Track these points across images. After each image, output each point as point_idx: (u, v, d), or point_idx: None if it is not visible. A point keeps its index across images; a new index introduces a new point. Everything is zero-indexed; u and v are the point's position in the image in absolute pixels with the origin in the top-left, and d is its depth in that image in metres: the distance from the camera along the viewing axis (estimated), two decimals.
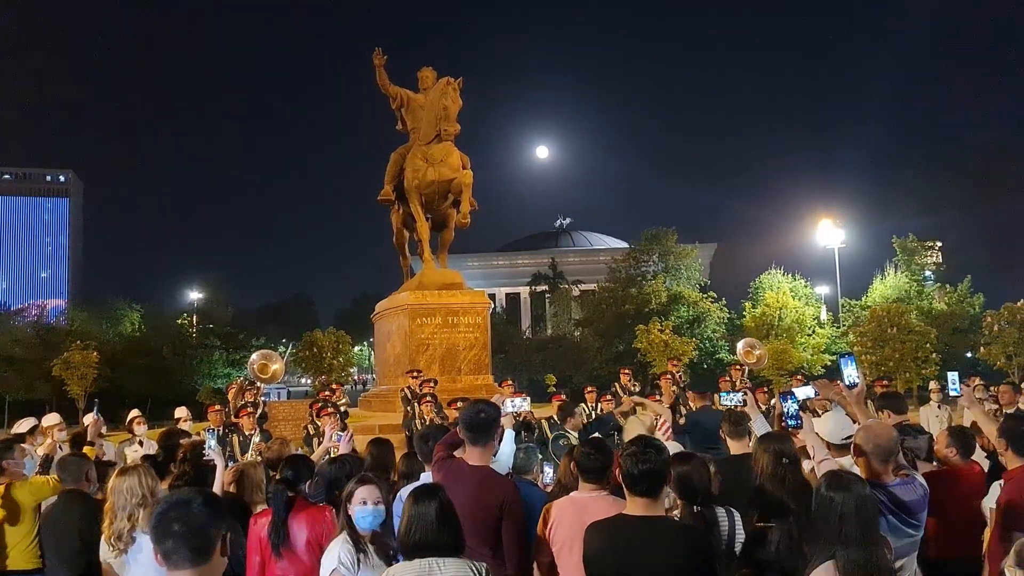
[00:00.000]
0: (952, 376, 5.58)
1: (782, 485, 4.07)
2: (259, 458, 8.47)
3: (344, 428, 7.96)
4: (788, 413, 4.48)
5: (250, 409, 10.56)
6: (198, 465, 5.19)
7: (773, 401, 11.03)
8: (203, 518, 2.37)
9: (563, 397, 13.03)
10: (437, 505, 3.38)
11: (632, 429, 8.62)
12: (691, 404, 11.79)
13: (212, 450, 5.43)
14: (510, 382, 15.60)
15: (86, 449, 6.51)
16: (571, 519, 3.84)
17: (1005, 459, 4.77)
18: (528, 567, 4.06)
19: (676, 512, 4.08)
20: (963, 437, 5.35)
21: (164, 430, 8.74)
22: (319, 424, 10.68)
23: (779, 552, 3.88)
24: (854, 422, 4.63)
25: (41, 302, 62.56)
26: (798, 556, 3.73)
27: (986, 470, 5.50)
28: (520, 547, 3.96)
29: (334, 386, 15.09)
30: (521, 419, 8.13)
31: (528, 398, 6.68)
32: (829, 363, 39.06)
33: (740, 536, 4.09)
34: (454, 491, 4.03)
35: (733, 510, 4.18)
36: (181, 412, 11.66)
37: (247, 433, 10.11)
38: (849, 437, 4.66)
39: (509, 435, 4.73)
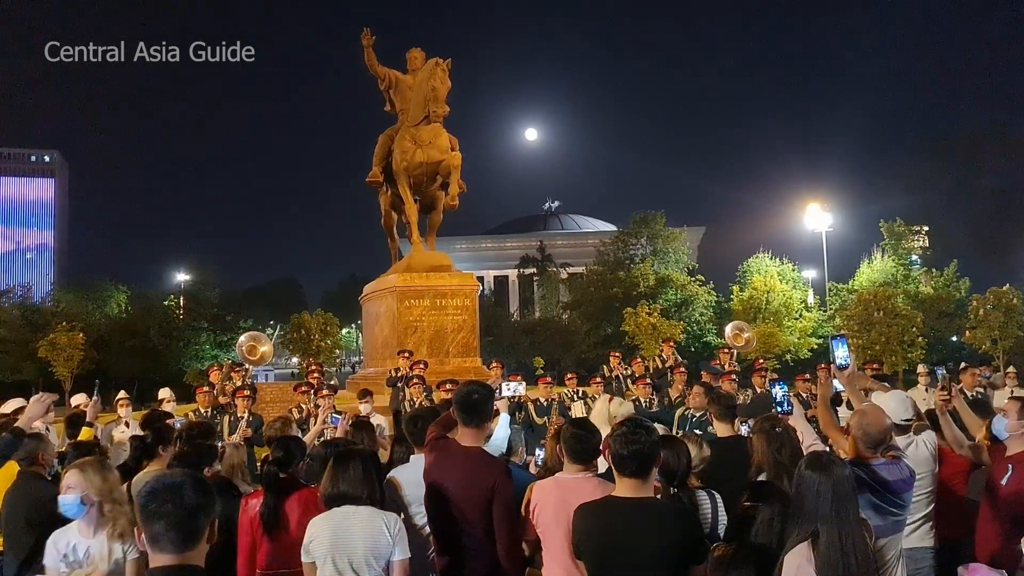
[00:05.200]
0: (939, 372, 5.61)
1: (785, 466, 4.11)
2: (242, 440, 8.48)
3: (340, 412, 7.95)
4: (777, 399, 4.51)
5: (247, 392, 10.53)
6: (198, 446, 5.17)
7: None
8: (194, 503, 2.33)
9: (549, 380, 13.10)
10: (356, 463, 3.91)
11: (597, 414, 8.63)
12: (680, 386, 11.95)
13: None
14: (497, 364, 15.64)
15: (85, 431, 6.46)
16: (555, 500, 3.84)
17: (1012, 443, 4.75)
18: (518, 548, 4.07)
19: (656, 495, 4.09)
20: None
21: (146, 413, 8.72)
22: (305, 407, 10.68)
23: (760, 535, 3.91)
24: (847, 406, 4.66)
25: (26, 283, 62.10)
26: (779, 539, 3.77)
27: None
28: (510, 528, 3.97)
29: (313, 367, 15.00)
30: (514, 401, 8.13)
31: (523, 382, 6.71)
32: (816, 346, 39.29)
33: (723, 519, 4.11)
34: (446, 471, 4.05)
35: (715, 493, 4.19)
36: (164, 393, 11.65)
37: (240, 415, 10.11)
38: (909, 419, 4.72)
39: (504, 419, 4.72)
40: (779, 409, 4.45)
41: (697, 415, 8.97)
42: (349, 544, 3.75)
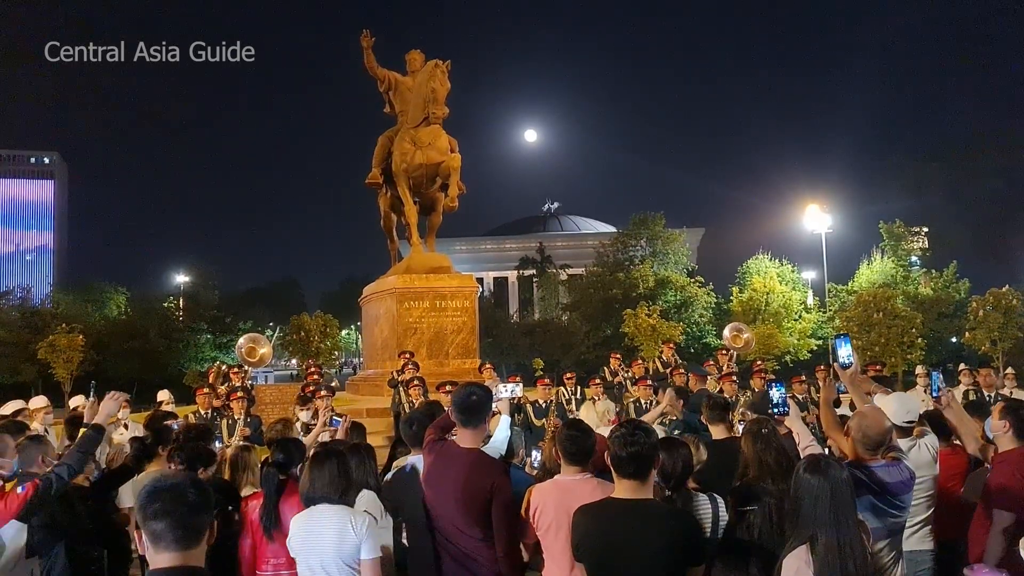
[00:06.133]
0: (935, 376, 5.61)
1: (769, 466, 4.12)
2: (242, 442, 8.46)
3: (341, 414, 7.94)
4: (774, 400, 4.52)
5: (241, 394, 10.56)
6: (193, 448, 5.17)
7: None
8: (196, 502, 2.34)
9: (547, 381, 13.08)
10: (331, 463, 4.03)
11: (586, 421, 8.78)
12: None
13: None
14: (489, 366, 15.61)
15: (81, 432, 6.48)
16: (555, 502, 3.84)
17: (999, 442, 4.80)
18: (517, 549, 4.07)
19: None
20: (940, 419, 5.41)
21: (150, 413, 8.73)
22: (312, 408, 10.66)
23: (760, 535, 3.93)
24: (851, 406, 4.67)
25: (26, 285, 62.06)
26: (778, 538, 3.79)
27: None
28: (509, 529, 3.97)
29: (313, 369, 15.00)
30: (513, 402, 8.12)
31: (521, 383, 6.69)
32: (815, 347, 39.30)
33: (724, 522, 4.12)
34: (445, 473, 4.05)
35: (717, 496, 4.19)
36: (163, 395, 11.67)
37: (236, 417, 10.13)
38: (911, 422, 4.75)
39: (505, 421, 4.71)
40: (776, 411, 4.46)
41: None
42: (318, 544, 3.86)
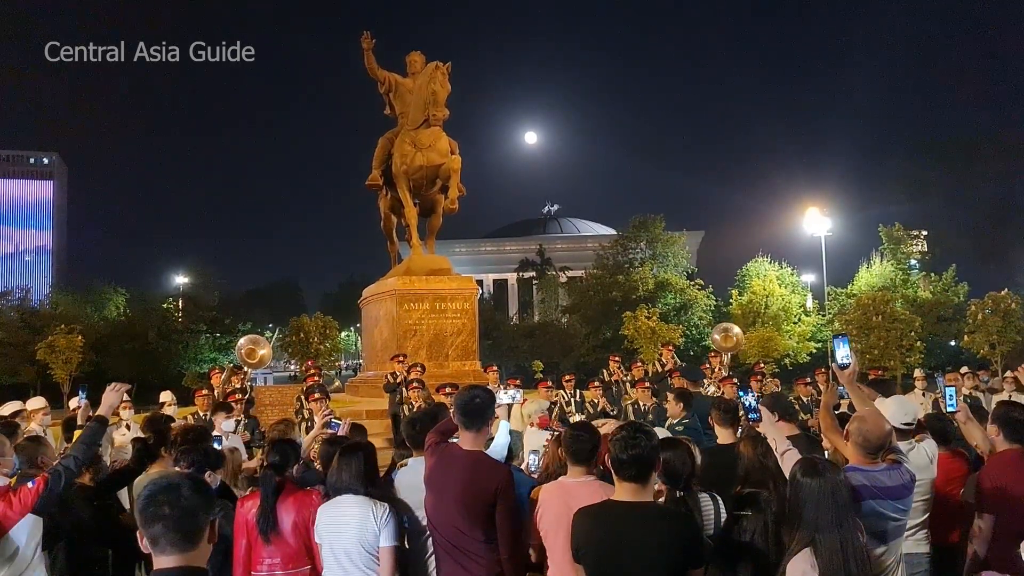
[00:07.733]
0: (950, 391, 5.61)
1: (770, 471, 4.13)
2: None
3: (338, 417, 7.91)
4: (748, 407, 4.53)
5: (239, 395, 10.53)
6: (204, 450, 5.16)
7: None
8: (193, 503, 2.33)
9: (549, 384, 13.08)
10: (358, 457, 4.25)
11: (513, 420, 8.74)
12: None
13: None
14: (495, 368, 15.59)
15: (77, 434, 6.48)
16: (557, 504, 3.85)
17: (995, 445, 4.84)
18: (520, 551, 4.07)
19: (660, 498, 4.10)
20: (939, 424, 5.42)
21: (148, 415, 8.71)
22: (312, 409, 10.63)
23: (753, 540, 3.93)
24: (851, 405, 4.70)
25: (25, 285, 62.03)
26: (772, 545, 3.79)
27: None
28: (513, 531, 3.97)
29: (312, 371, 14.97)
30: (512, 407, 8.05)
31: (521, 388, 6.65)
32: (815, 350, 39.31)
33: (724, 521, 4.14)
34: (446, 475, 4.05)
35: (717, 496, 4.20)
36: (166, 396, 11.64)
37: (236, 419, 10.09)
38: (909, 424, 4.78)
39: (504, 426, 4.71)
40: (749, 417, 4.47)
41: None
42: (342, 533, 4.11)
